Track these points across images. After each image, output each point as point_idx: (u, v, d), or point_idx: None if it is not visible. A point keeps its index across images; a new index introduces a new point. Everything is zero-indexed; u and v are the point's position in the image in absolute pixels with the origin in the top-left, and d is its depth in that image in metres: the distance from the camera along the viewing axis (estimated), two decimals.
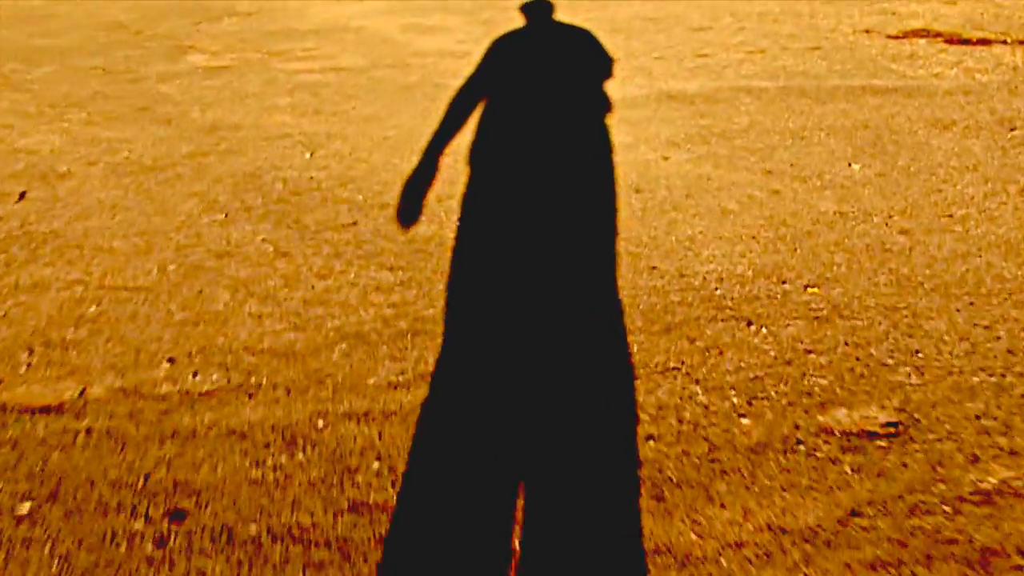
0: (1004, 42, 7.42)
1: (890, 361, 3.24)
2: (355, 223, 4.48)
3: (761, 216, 4.42)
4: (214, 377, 3.29)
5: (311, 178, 5.04)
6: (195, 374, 3.31)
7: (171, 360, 3.38)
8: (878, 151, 5.22)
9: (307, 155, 5.29)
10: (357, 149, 5.51)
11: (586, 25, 8.40)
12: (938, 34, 7.80)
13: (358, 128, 5.88)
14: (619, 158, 5.19)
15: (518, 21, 8.56)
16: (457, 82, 6.75)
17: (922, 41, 7.60)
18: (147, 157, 5.33)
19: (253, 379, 3.26)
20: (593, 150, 5.27)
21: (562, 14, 8.76)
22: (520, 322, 3.52)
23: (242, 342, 3.48)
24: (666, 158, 5.10)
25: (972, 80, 6.48)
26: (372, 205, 4.70)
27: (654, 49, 7.57)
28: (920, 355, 3.27)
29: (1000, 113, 5.63)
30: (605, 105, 6.09)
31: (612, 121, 5.80)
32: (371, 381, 3.24)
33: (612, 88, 6.52)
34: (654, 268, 3.94)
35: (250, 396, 3.16)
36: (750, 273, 3.87)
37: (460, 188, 4.82)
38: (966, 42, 7.55)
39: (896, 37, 7.65)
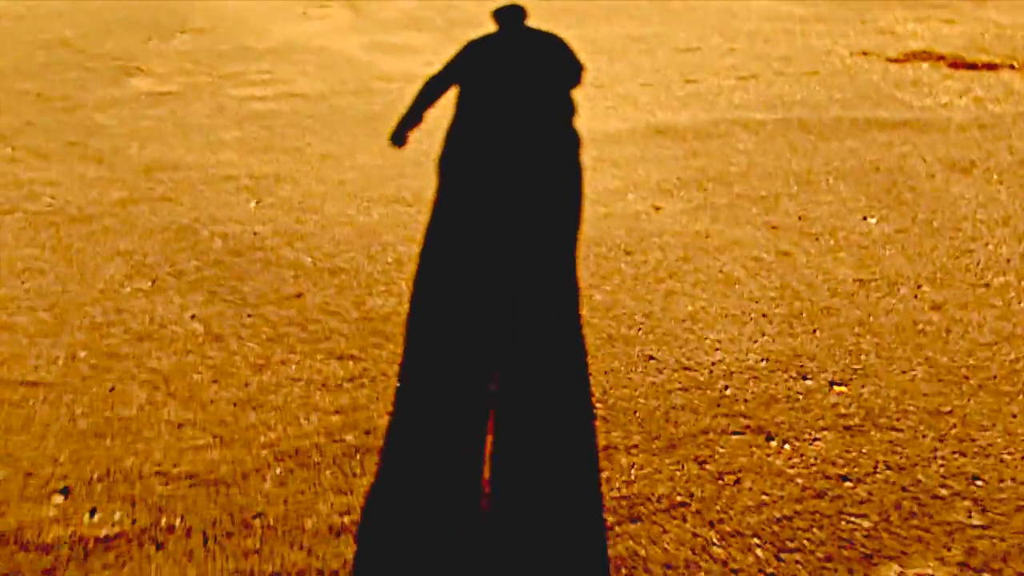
0: (1011, 67, 6.97)
1: (943, 492, 2.69)
2: (301, 295, 3.88)
3: (771, 286, 3.88)
4: (116, 516, 2.64)
5: (255, 234, 4.41)
6: (92, 512, 2.67)
7: (65, 492, 2.74)
8: (894, 200, 4.67)
9: (252, 203, 4.66)
10: (309, 196, 4.89)
11: (565, 44, 7.82)
12: (941, 57, 7.31)
13: (312, 169, 5.29)
14: (604, 208, 4.63)
15: (491, 39, 7.92)
16: (423, 114, 6.20)
17: (925, 65, 7.08)
18: (72, 205, 4.67)
19: (164, 520, 2.63)
20: (571, 202, 4.72)
21: (540, 31, 8.13)
22: (485, 440, 2.94)
23: (155, 463, 2.84)
24: (658, 208, 4.49)
25: (984, 111, 5.97)
26: (322, 270, 4.08)
27: (639, 73, 6.99)
28: (979, 483, 2.70)
29: (1021, 153, 5.09)
30: (584, 141, 5.54)
31: (595, 161, 5.27)
32: (309, 524, 2.63)
33: (594, 120, 5.96)
34: (651, 358, 3.37)
35: (158, 547, 2.54)
36: (764, 364, 3.31)
37: (416, 250, 4.21)
38: (972, 66, 7.04)
39: (897, 60, 7.10)
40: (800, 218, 4.36)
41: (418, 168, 5.13)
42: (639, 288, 3.82)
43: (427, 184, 4.95)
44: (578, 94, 6.45)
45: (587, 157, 5.24)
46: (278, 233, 4.38)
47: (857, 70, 6.81)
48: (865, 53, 7.25)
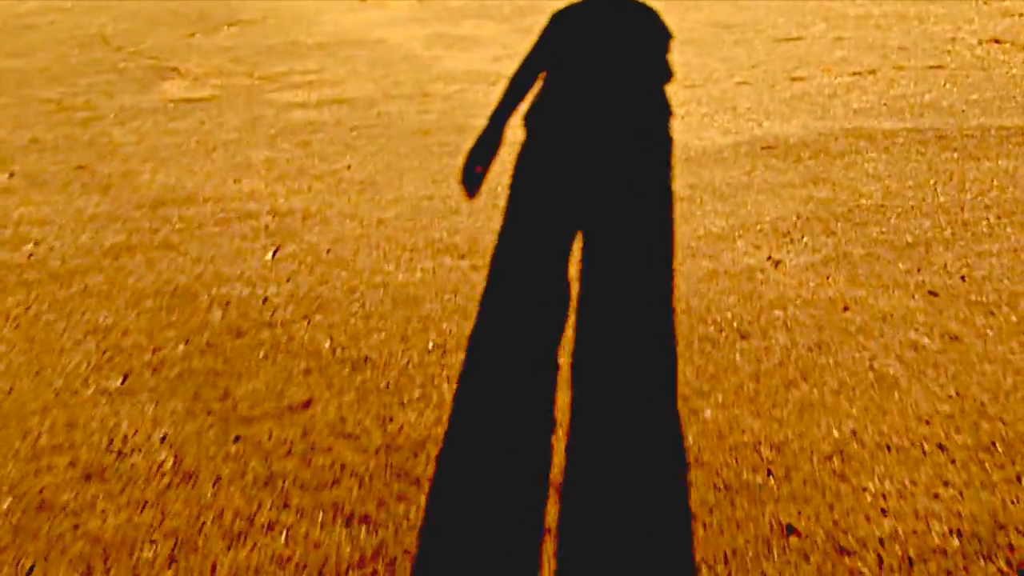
0: None
1: None
2: (310, 402, 2.83)
3: (943, 394, 2.72)
4: None
5: (265, 301, 3.44)
6: None
7: None
8: None
9: (270, 254, 3.72)
10: (340, 242, 3.86)
11: (654, 30, 6.69)
12: None
13: (348, 202, 4.25)
14: (707, 263, 3.60)
15: (567, 25, 6.75)
16: (483, 123, 5.11)
17: None
18: (57, 254, 3.77)
19: None
20: (665, 253, 3.69)
21: (622, 15, 6.97)
22: None
23: None
24: (777, 263, 3.40)
25: None
26: (342, 361, 3.04)
27: (735, 69, 5.86)
28: None
29: None
30: (677, 162, 4.54)
31: (691, 190, 4.19)
32: None
33: (687, 132, 4.89)
34: (791, 531, 2.29)
35: None
36: (956, 543, 2.20)
37: (467, 329, 3.26)
38: None
39: None
40: (964, 278, 3.29)
41: (475, 203, 4.07)
42: (763, 398, 2.72)
43: (486, 225, 3.90)
44: (670, 95, 5.33)
45: (682, 184, 4.18)
46: (294, 299, 3.39)
47: (991, 63, 5.47)
48: (997, 41, 5.86)
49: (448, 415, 2.58)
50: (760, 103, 4.96)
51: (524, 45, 6.32)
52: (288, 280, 3.38)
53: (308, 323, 3.12)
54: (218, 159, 4.58)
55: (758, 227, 3.59)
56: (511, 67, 5.87)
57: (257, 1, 8.27)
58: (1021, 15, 6.51)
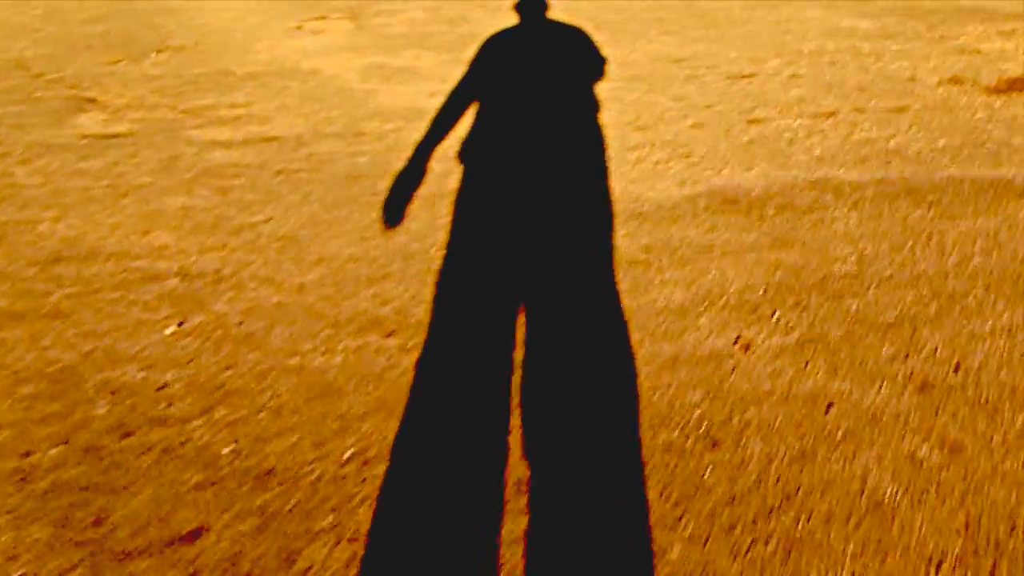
0: None
1: None
2: (201, 531, 2.30)
3: (950, 527, 2.25)
4: None
5: (161, 388, 2.88)
6: None
7: None
8: None
9: (172, 327, 3.19)
10: (253, 313, 3.33)
11: (594, 65, 6.37)
12: None
13: (266, 262, 3.71)
14: (669, 346, 3.10)
15: (505, 56, 6.31)
16: (422, 168, 4.69)
17: None
18: None
19: None
20: (619, 334, 3.20)
21: (565, 46, 6.66)
22: None
23: None
24: (747, 346, 3.00)
25: None
26: (242, 474, 2.51)
27: (688, 109, 5.44)
28: None
29: None
30: (625, 218, 4.11)
31: (646, 252, 3.78)
32: None
33: (641, 182, 4.44)
34: None
35: None
36: None
37: (391, 432, 2.74)
38: None
39: (999, 91, 5.62)
40: (957, 368, 2.88)
41: (407, 263, 3.62)
42: (740, 531, 2.25)
43: (418, 294, 3.41)
44: (616, 139, 4.95)
45: (636, 245, 3.75)
46: (195, 387, 2.84)
47: (953, 104, 5.05)
48: (957, 81, 5.49)
49: (363, 553, 1.98)
50: (717, 149, 4.44)
51: (462, 79, 5.70)
52: (190, 362, 2.81)
53: (208, 419, 2.57)
54: (128, 207, 3.99)
55: (723, 300, 3.07)
56: (451, 104, 5.29)
57: (190, 26, 7.67)
58: (977, 52, 6.09)
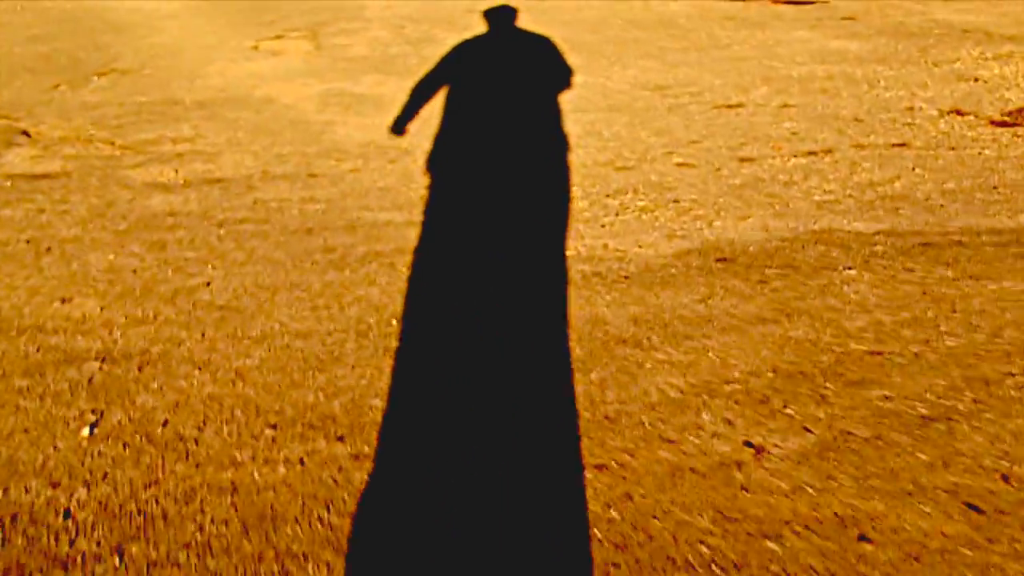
0: None
1: None
2: None
3: None
4: None
5: (66, 515, 2.37)
6: None
7: None
8: None
9: (86, 430, 2.74)
10: (182, 409, 2.82)
11: (568, 96, 5.89)
12: None
13: (200, 340, 3.19)
14: (666, 452, 2.62)
15: (470, 80, 5.93)
16: (381, 218, 4.28)
17: None
18: None
19: None
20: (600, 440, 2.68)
21: (537, 74, 6.21)
22: None
23: None
24: (759, 451, 2.69)
25: None
26: None
27: (673, 144, 5.02)
28: None
29: None
30: (609, 279, 3.68)
31: (636, 323, 3.31)
32: None
33: (624, 235, 4.01)
34: None
35: None
36: None
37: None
38: None
39: (1005, 124, 5.26)
40: (1006, 478, 2.49)
41: (361, 341, 3.18)
42: None
43: (373, 383, 2.94)
44: (597, 182, 4.55)
45: (624, 316, 3.33)
46: (107, 514, 2.35)
47: (959, 140, 4.70)
48: (959, 112, 5.07)
49: None
50: (707, 193, 3.95)
51: (426, 109, 5.19)
52: (105, 476, 2.38)
53: (118, 562, 1.98)
54: (49, 267, 3.54)
55: (727, 389, 2.59)
56: (413, 140, 4.79)
57: (139, 46, 7.23)
58: (976, 80, 5.64)
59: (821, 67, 6.12)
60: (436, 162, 4.44)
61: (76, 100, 5.76)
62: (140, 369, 2.88)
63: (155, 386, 2.77)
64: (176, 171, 4.55)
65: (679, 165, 4.41)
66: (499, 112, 5.08)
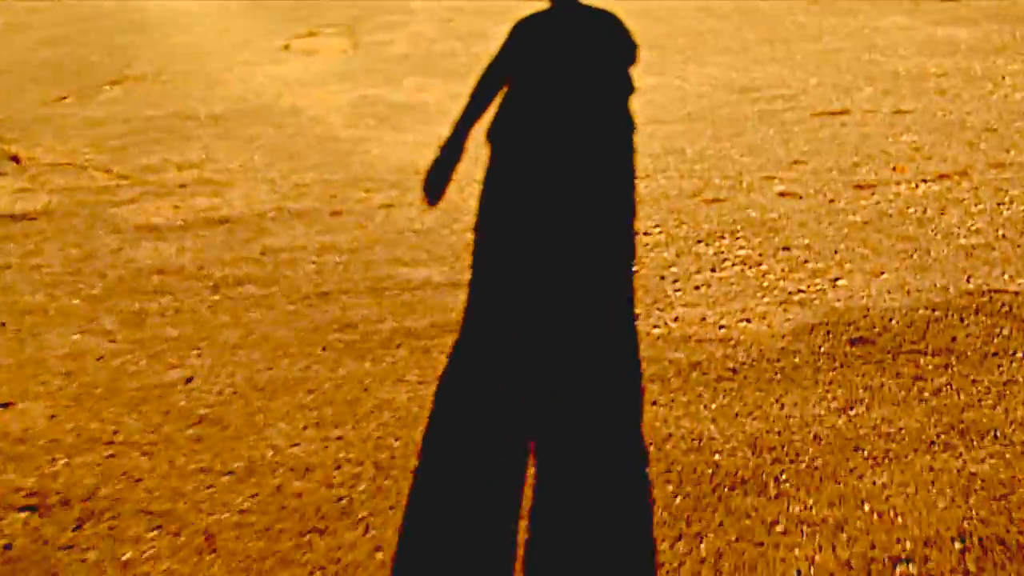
0: None
1: None
2: None
3: None
4: None
5: None
6: None
7: None
8: None
9: None
10: None
11: (641, 101, 4.99)
12: None
13: (166, 475, 2.32)
14: None
15: (535, 92, 4.97)
16: (415, 277, 3.38)
17: None
18: None
19: None
20: None
21: (603, 75, 5.26)
22: None
23: None
24: None
25: None
26: None
27: (771, 165, 4.12)
28: None
29: None
30: (710, 375, 2.71)
31: (748, 452, 2.39)
32: None
33: (726, 300, 3.08)
34: None
35: None
36: None
37: None
38: None
39: None
40: None
41: (379, 483, 2.35)
42: None
43: (389, 544, 2.06)
44: (686, 220, 3.68)
45: (735, 441, 2.44)
46: None
47: None
48: None
49: None
50: (823, 236, 2.96)
51: (475, 125, 4.26)
52: None
53: None
54: None
55: (898, 574, 1.43)
56: (459, 163, 4.14)
57: (158, 48, 6.51)
58: None
59: (931, 61, 5.01)
60: (487, 196, 3.44)
61: (80, 115, 4.88)
62: (78, 527, 1.98)
63: (92, 559, 1.75)
64: (176, 207, 3.61)
65: (782, 195, 3.35)
66: (560, 128, 4.18)
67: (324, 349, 2.70)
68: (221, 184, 3.97)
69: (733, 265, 3.03)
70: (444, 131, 4.38)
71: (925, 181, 3.61)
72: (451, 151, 4.16)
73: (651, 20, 6.37)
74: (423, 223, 3.47)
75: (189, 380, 2.58)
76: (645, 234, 3.24)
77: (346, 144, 4.36)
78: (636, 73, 5.09)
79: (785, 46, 5.58)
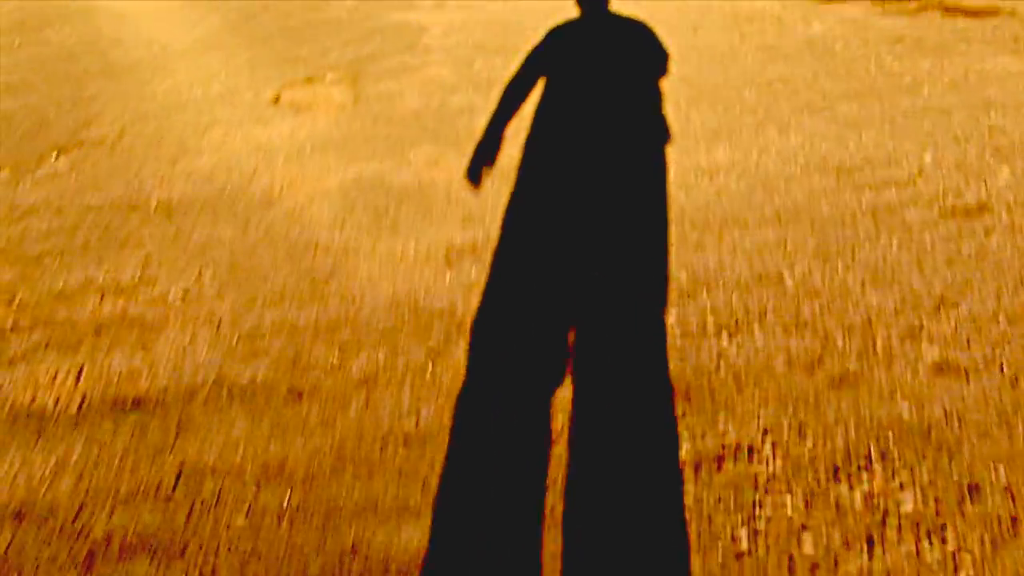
0: None
1: None
2: None
3: None
4: None
5: None
6: None
7: None
8: None
9: None
10: None
11: (709, 190, 3.62)
12: None
13: None
14: None
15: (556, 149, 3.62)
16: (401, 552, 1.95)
17: None
18: None
19: None
20: None
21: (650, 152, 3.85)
22: None
23: None
24: None
25: None
26: None
27: (910, 308, 2.76)
28: None
29: None
30: None
31: None
32: None
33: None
34: None
35: None
36: None
37: None
38: None
39: None
40: None
41: None
42: None
43: None
44: (791, 426, 2.20)
45: None
46: None
47: None
48: None
49: None
50: (1015, 457, 1.33)
51: (491, 222, 3.41)
52: None
53: None
54: None
55: None
56: (473, 295, 2.98)
57: (130, 99, 5.25)
58: None
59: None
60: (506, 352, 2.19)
61: (7, 201, 3.57)
62: None
63: None
64: (77, 373, 2.51)
65: (939, 369, 1.90)
66: (599, 236, 3.11)
67: None
68: (150, 328, 2.60)
69: (895, 526, 1.56)
70: (456, 237, 2.88)
71: None
72: (460, 265, 2.70)
73: (707, 65, 4.88)
74: (424, 413, 2.06)
75: None
76: (750, 450, 1.82)
77: (326, 259, 2.97)
78: (700, 147, 3.56)
79: (878, 102, 4.03)
